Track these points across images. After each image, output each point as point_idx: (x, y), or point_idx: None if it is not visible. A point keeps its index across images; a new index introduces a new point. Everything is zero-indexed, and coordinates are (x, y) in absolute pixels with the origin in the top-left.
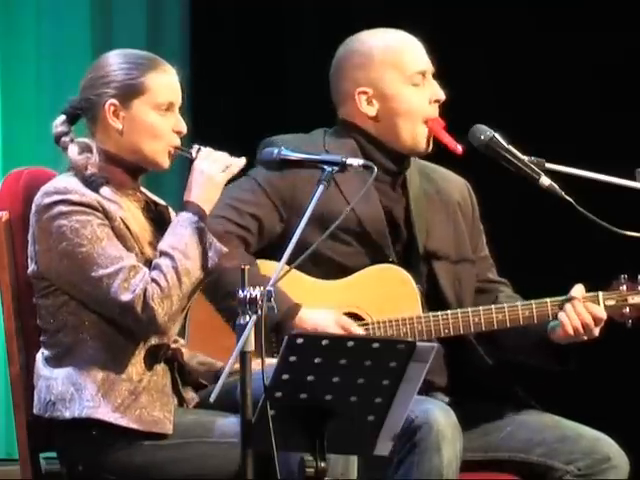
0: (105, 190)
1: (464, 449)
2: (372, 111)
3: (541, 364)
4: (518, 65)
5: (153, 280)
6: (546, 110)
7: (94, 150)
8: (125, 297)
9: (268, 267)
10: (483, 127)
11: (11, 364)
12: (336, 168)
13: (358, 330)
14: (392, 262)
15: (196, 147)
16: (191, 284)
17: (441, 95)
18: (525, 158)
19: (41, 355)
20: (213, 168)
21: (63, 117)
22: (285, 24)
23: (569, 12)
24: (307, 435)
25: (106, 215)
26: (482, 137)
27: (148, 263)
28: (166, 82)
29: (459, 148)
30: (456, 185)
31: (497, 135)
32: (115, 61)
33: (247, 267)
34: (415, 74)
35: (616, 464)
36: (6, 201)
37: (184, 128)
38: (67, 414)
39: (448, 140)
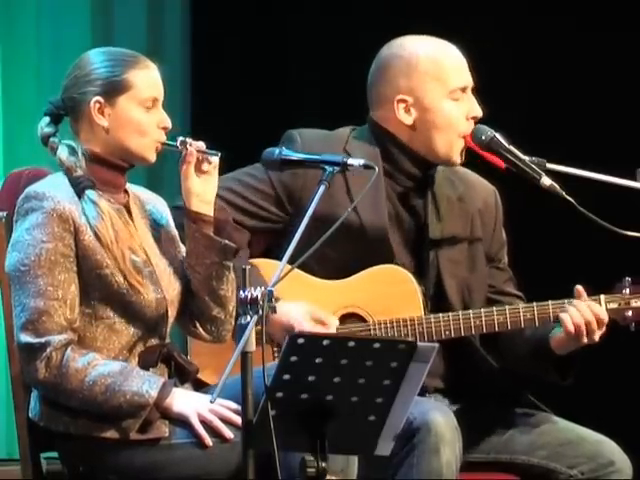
0: (90, 193)
1: (465, 450)
2: (409, 120)
3: (541, 374)
4: (518, 65)
5: (71, 348)
6: (547, 110)
7: (79, 153)
8: (24, 337)
9: (270, 266)
10: (484, 127)
11: (11, 364)
12: (337, 168)
13: (333, 321)
14: (397, 265)
15: (180, 139)
16: (85, 402)
17: (478, 112)
18: (526, 158)
19: None
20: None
21: (47, 119)
22: (287, 23)
23: (568, 12)
24: (308, 435)
25: (76, 229)
26: (483, 137)
27: (122, 273)
28: (149, 78)
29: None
30: (481, 192)
31: (498, 135)
32: (97, 59)
33: (248, 267)
34: (456, 89)
35: (619, 468)
36: (6, 201)
37: (169, 123)
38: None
39: (490, 157)
